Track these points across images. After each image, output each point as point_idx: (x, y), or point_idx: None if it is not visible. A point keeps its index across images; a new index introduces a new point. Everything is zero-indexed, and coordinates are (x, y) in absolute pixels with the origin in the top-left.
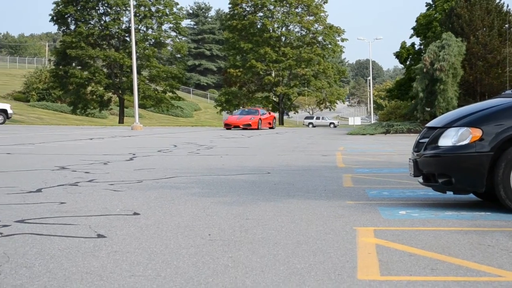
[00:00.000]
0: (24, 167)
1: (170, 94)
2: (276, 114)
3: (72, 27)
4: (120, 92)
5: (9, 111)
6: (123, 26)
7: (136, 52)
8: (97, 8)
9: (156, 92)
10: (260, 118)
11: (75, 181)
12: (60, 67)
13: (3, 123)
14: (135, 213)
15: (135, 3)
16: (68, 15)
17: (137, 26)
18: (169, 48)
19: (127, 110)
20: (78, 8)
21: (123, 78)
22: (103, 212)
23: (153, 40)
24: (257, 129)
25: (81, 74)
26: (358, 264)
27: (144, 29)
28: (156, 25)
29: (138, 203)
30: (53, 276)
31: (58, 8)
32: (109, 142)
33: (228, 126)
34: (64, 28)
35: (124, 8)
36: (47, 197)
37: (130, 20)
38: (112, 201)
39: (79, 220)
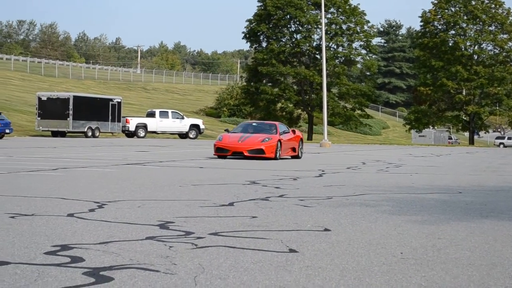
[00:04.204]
0: (216, 181)
1: (359, 111)
2: (467, 133)
3: (264, 44)
4: (309, 109)
5: (201, 126)
6: (314, 44)
7: (326, 70)
8: (288, 26)
9: (345, 110)
10: (279, 140)
11: (266, 196)
12: (252, 83)
13: (195, 137)
14: (325, 229)
15: (326, 21)
16: (261, 32)
17: (328, 43)
18: (359, 65)
19: (316, 127)
20: (270, 26)
21: (312, 95)
22: (294, 227)
23: (343, 58)
24: (274, 158)
25: (271, 91)
26: None
27: (335, 46)
28: (347, 43)
29: (328, 219)
30: None
31: (251, 26)
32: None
33: (221, 152)
34: (256, 46)
35: (315, 26)
36: (239, 211)
37: (321, 38)
38: (302, 216)
39: (271, 234)
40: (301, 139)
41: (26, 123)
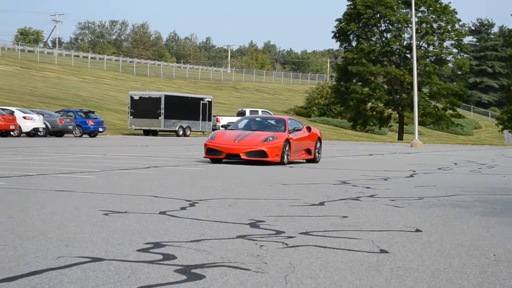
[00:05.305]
0: (306, 180)
1: (450, 111)
2: None
3: (354, 43)
4: (400, 108)
5: None
6: (404, 43)
7: (417, 69)
8: (378, 25)
9: (436, 109)
10: (288, 139)
11: (356, 196)
12: (341, 83)
13: None
14: (417, 230)
15: (417, 20)
16: (350, 32)
17: (418, 42)
18: (450, 65)
19: (406, 127)
20: (360, 25)
21: (403, 94)
22: (385, 227)
23: (434, 57)
24: (280, 162)
25: (361, 90)
26: None
27: (425, 45)
28: (438, 42)
29: (419, 220)
30: None
31: (341, 25)
32: (388, 158)
33: (213, 155)
34: (346, 45)
35: (405, 25)
36: (330, 210)
37: (411, 37)
38: (393, 217)
39: (362, 234)
40: (319, 138)
41: (119, 122)
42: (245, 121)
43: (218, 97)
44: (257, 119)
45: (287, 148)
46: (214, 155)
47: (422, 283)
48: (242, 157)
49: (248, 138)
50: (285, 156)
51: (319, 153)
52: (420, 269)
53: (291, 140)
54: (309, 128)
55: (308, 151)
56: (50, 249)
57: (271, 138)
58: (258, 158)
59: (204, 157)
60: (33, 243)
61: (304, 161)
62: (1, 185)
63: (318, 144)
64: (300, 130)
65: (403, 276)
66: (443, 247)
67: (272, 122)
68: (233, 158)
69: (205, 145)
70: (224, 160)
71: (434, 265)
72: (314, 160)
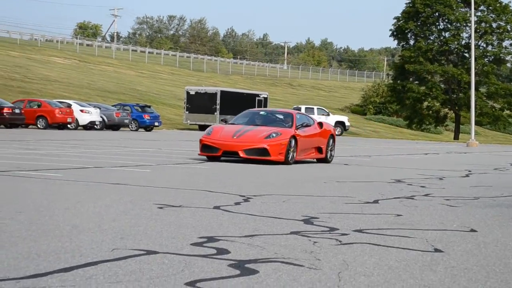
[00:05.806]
0: (361, 178)
1: (508, 112)
2: None
3: (411, 42)
4: (456, 108)
5: (347, 123)
6: (463, 42)
7: (475, 68)
8: (437, 23)
9: (494, 110)
10: (294, 136)
11: (411, 195)
12: (398, 81)
13: (340, 134)
14: (472, 230)
15: (476, 19)
16: (408, 30)
17: (476, 42)
18: (508, 65)
19: (463, 126)
20: (418, 23)
21: (460, 94)
22: (440, 227)
23: (492, 57)
24: (284, 162)
25: (418, 89)
26: None
27: (484, 45)
28: (496, 42)
29: (475, 220)
30: (392, 286)
31: (399, 23)
32: (444, 157)
33: (208, 152)
34: (404, 43)
35: (464, 24)
36: (384, 208)
37: (470, 36)
38: (448, 216)
39: (416, 233)
40: (332, 135)
41: (174, 117)
42: (249, 114)
43: (273, 94)
44: (262, 112)
45: (292, 146)
46: (210, 152)
47: (477, 283)
48: (241, 155)
49: (249, 134)
50: (290, 155)
51: (331, 152)
52: (475, 269)
53: (298, 137)
54: (320, 124)
55: (319, 150)
56: (105, 241)
57: (274, 135)
58: (258, 157)
59: (199, 154)
60: (88, 235)
61: (315, 160)
62: (58, 177)
63: (331, 142)
64: (310, 126)
65: (458, 275)
66: (498, 247)
67: (279, 116)
68: (231, 156)
69: (200, 141)
70: (222, 158)
71: (489, 265)
72: (325, 160)
